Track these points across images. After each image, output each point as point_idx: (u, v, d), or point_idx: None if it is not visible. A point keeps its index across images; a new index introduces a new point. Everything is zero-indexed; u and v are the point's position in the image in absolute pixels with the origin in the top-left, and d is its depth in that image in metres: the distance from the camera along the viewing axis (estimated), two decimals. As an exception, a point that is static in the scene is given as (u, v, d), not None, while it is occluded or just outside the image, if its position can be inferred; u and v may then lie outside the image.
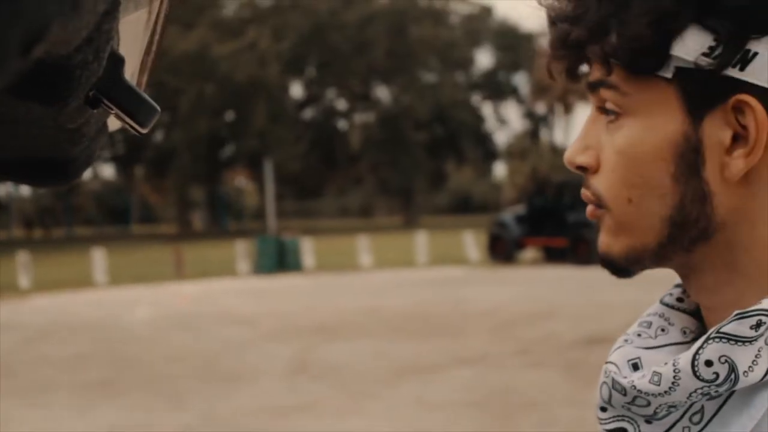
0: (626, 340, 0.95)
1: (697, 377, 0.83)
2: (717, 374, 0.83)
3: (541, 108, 68.78)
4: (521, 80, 77.44)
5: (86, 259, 29.57)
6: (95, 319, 17.67)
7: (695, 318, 0.96)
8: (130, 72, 0.58)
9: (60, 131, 0.57)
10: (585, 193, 0.94)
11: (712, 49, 0.83)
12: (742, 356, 0.82)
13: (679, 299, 0.98)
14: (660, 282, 0.97)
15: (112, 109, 0.59)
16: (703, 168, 0.86)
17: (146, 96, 0.60)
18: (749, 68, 0.83)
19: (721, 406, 0.85)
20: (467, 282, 23.43)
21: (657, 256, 0.91)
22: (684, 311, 0.97)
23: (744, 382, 0.82)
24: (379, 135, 67.04)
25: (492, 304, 17.47)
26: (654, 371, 0.86)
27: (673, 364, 0.85)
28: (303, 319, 16.40)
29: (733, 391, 0.84)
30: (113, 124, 0.68)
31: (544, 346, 12.09)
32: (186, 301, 20.85)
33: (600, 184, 0.92)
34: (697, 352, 0.84)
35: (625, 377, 0.90)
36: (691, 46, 0.84)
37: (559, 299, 17.89)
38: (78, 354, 13.33)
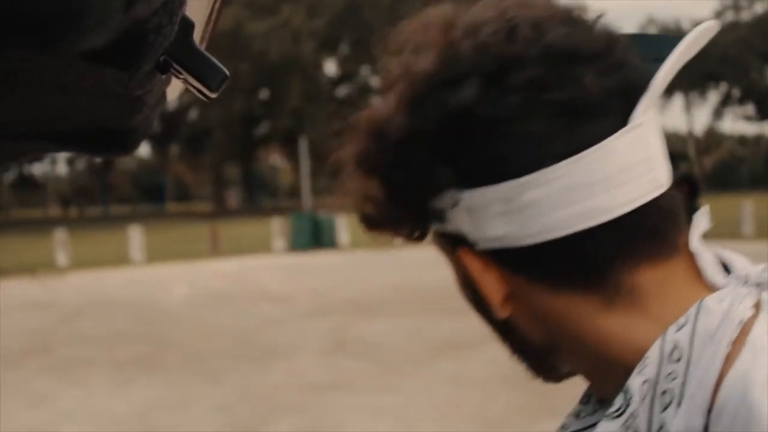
0: (563, 426, 0.96)
1: None
2: None
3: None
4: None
5: (122, 237, 29.75)
6: (132, 297, 17.79)
7: None
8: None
9: (124, 100, 0.58)
10: None
11: (412, 216, 0.91)
12: None
13: None
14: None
15: (181, 74, 0.59)
16: (489, 305, 0.91)
17: (216, 61, 0.61)
18: (449, 222, 0.88)
19: None
20: (502, 259, 23.37)
21: (541, 372, 0.99)
22: None
23: None
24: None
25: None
26: None
27: None
28: (338, 296, 16.44)
29: None
30: (171, 93, 0.68)
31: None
32: (222, 278, 20.94)
33: None
34: None
35: None
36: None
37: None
38: (115, 331, 13.43)
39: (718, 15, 70.10)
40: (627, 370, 0.83)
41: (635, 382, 0.82)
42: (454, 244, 0.89)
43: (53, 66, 0.49)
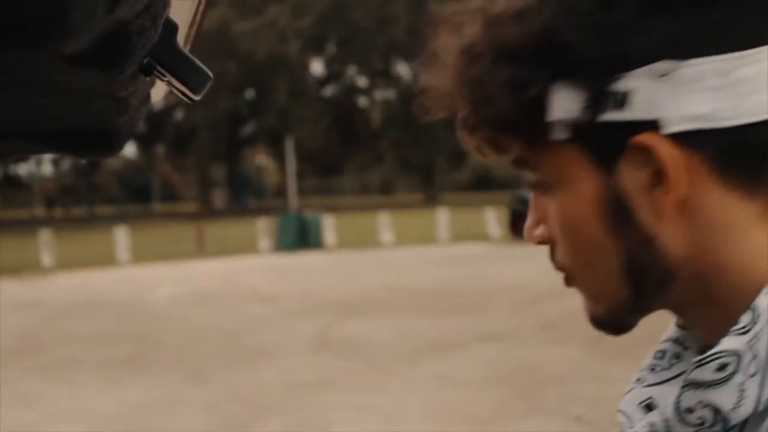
0: (639, 380, 0.93)
1: (687, 423, 0.82)
2: (702, 418, 0.81)
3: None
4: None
5: (108, 237, 29.70)
6: (119, 297, 17.75)
7: None
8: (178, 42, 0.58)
9: (109, 101, 0.58)
10: (553, 266, 0.94)
11: (584, 102, 0.81)
12: (722, 397, 0.80)
13: None
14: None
15: (164, 76, 0.59)
16: (635, 215, 0.84)
17: (199, 63, 0.61)
18: (632, 107, 0.81)
19: None
20: (489, 259, 23.41)
21: (638, 308, 0.89)
22: None
23: (736, 418, 0.80)
24: (400, 112, 66.90)
25: (514, 280, 17.45)
26: (649, 421, 0.85)
27: (661, 414, 0.84)
28: (325, 296, 16.43)
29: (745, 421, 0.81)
30: (156, 94, 0.68)
31: (566, 322, 12.07)
32: (208, 278, 20.91)
33: (560, 255, 0.91)
34: (677, 401, 0.82)
35: (631, 427, 0.88)
36: (566, 104, 0.82)
37: (581, 275, 17.86)
38: (102, 331, 13.40)
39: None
40: (748, 298, 0.82)
41: (763, 302, 0.80)
42: (624, 134, 0.81)
43: (37, 67, 0.49)
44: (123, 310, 15.82)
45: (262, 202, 76.68)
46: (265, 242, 30.19)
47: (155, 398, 9.14)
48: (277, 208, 47.09)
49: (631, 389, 0.93)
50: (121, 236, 28.06)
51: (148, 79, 0.59)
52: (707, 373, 0.80)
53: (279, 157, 62.28)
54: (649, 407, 0.89)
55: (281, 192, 62.63)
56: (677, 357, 0.94)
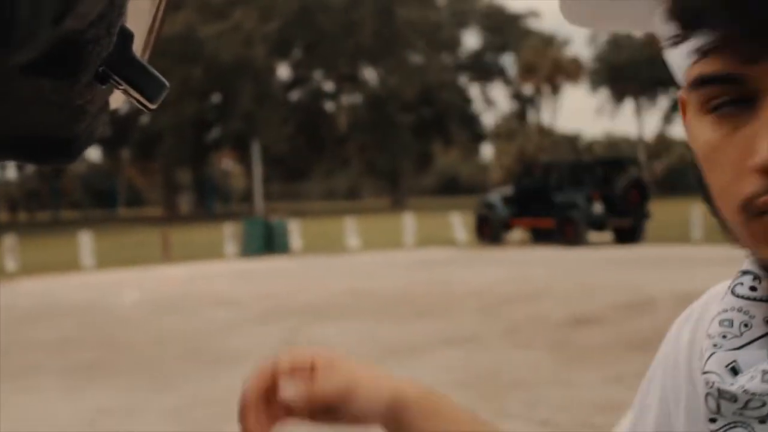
0: (715, 345, 0.89)
1: None
2: None
3: (528, 89, 68.94)
4: (508, 61, 77.65)
5: (73, 242, 29.52)
6: (83, 302, 17.65)
7: None
8: (135, 49, 0.58)
9: (65, 109, 0.58)
10: None
11: None
12: None
13: (752, 288, 0.90)
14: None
15: (120, 85, 0.59)
16: None
17: (155, 71, 0.61)
18: None
19: None
20: (455, 263, 23.46)
21: None
22: (761, 300, 0.89)
23: None
24: (366, 117, 67.09)
25: (479, 284, 17.49)
26: (763, 370, 0.81)
27: None
28: (290, 300, 16.41)
29: None
30: (114, 102, 0.68)
31: (531, 326, 12.11)
32: (173, 283, 20.83)
33: None
34: None
35: (732, 384, 0.84)
36: None
37: (545, 280, 17.94)
38: (66, 337, 13.31)
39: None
40: None
41: None
42: None
43: None
44: (87, 315, 15.73)
45: (228, 207, 76.58)
46: (231, 247, 30.11)
47: (119, 404, 9.08)
48: (243, 212, 47.04)
49: (712, 353, 0.89)
50: (86, 241, 27.89)
51: (104, 87, 0.59)
52: None
53: (245, 161, 62.27)
54: (734, 370, 0.86)
55: (247, 196, 62.59)
56: (746, 325, 0.90)
